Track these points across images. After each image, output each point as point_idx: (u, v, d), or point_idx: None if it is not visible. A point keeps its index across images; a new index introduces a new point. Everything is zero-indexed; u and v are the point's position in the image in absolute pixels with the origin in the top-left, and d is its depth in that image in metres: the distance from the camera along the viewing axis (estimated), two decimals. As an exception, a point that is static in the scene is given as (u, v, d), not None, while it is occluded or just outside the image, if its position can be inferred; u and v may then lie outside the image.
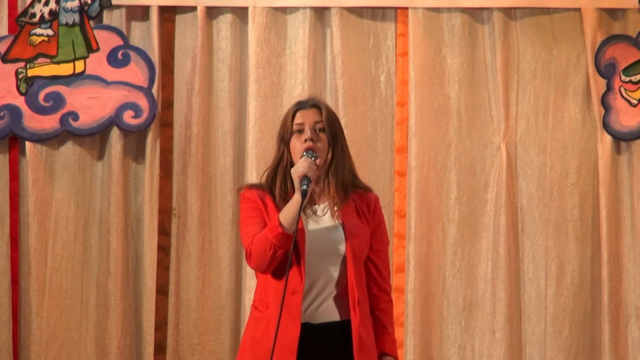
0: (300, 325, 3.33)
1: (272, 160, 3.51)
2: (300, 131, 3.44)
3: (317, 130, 3.44)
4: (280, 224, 3.29)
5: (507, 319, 5.16)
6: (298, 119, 3.46)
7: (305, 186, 3.29)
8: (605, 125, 5.19)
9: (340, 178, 3.45)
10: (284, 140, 3.48)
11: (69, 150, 5.21)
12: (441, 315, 5.23)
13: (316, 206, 3.45)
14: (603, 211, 5.16)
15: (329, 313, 3.38)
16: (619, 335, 5.17)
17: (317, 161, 3.37)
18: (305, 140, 3.41)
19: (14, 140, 5.18)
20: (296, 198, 3.30)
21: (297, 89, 5.20)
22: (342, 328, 3.38)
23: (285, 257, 3.30)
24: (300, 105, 3.49)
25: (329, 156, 3.44)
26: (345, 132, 3.58)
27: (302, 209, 3.29)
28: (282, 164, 3.47)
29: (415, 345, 5.15)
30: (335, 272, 3.38)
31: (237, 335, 5.21)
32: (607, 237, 5.16)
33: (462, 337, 5.22)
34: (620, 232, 5.21)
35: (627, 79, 5.20)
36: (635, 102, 5.19)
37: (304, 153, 3.38)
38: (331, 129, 3.45)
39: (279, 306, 3.27)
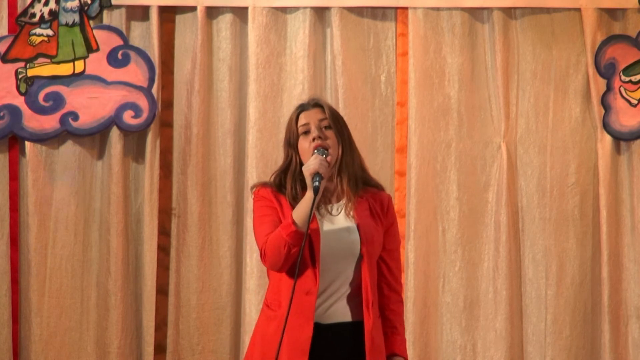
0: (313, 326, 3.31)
1: (280, 166, 3.48)
2: (307, 132, 3.42)
3: (323, 128, 3.42)
4: (294, 222, 3.27)
5: (507, 319, 5.16)
6: (302, 120, 3.43)
7: (317, 182, 3.27)
8: (605, 125, 5.19)
9: (352, 173, 3.43)
10: (290, 144, 3.45)
11: (69, 150, 5.20)
12: (441, 315, 5.23)
13: (330, 205, 3.43)
14: (603, 211, 5.16)
15: (341, 314, 3.37)
16: (619, 335, 5.17)
17: (328, 158, 3.35)
18: (314, 139, 3.39)
19: (14, 140, 5.17)
20: (308, 195, 3.28)
21: (297, 89, 5.20)
22: (353, 329, 3.36)
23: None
24: (302, 107, 3.47)
25: (340, 152, 3.42)
26: (345, 131, 3.57)
27: (315, 206, 3.27)
28: (291, 168, 3.44)
29: (415, 345, 5.15)
30: (349, 273, 3.36)
31: (237, 335, 5.21)
32: (607, 237, 5.16)
33: (462, 337, 5.22)
34: (620, 232, 5.21)
35: (627, 79, 5.20)
36: (635, 102, 5.19)
37: (315, 151, 3.35)
38: (337, 126, 3.43)
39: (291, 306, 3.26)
